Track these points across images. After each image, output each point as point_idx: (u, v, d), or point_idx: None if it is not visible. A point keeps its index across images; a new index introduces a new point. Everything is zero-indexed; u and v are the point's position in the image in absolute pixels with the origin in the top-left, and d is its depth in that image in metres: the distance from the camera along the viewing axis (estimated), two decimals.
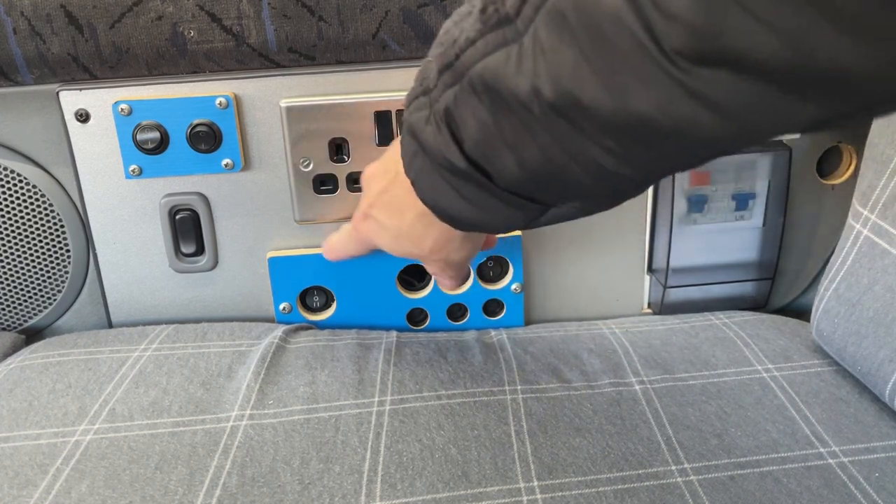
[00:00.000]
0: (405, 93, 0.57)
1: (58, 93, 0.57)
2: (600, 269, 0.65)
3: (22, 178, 0.61)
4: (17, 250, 0.62)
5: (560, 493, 0.43)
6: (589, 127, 0.27)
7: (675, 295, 0.64)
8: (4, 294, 0.64)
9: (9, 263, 0.63)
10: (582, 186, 0.31)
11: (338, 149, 0.59)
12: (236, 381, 0.53)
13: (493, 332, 0.61)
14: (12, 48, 0.55)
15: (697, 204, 0.60)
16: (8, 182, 0.61)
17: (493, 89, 0.30)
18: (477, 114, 0.31)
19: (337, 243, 0.56)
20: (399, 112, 0.57)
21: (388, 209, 0.45)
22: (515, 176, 0.32)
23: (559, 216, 0.36)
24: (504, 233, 0.43)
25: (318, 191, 0.59)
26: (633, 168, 0.28)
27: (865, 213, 0.51)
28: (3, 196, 0.61)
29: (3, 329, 0.65)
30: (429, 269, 0.51)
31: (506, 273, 0.62)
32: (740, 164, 0.59)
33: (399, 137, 0.40)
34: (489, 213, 0.36)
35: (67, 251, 0.63)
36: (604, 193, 0.33)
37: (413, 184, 0.39)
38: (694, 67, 0.23)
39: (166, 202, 0.60)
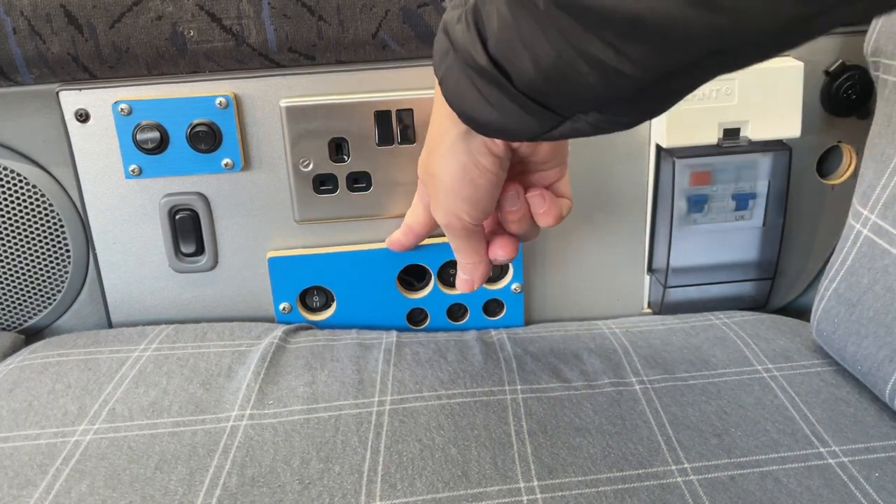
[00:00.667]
0: (405, 93, 0.58)
1: (58, 93, 0.57)
2: (600, 269, 0.65)
3: (22, 178, 0.61)
4: (17, 250, 0.62)
5: (560, 493, 0.42)
6: (589, 22, 0.28)
7: (675, 295, 0.64)
8: (4, 294, 0.64)
9: (9, 263, 0.63)
10: (591, 88, 0.31)
11: (338, 149, 0.59)
12: (236, 381, 0.53)
13: (493, 332, 0.61)
14: (12, 48, 0.55)
15: (697, 204, 0.60)
16: (8, 182, 0.61)
17: None
18: (499, 10, 0.32)
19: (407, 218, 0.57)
20: (399, 112, 0.57)
21: (430, 126, 0.47)
22: (531, 76, 0.33)
23: (574, 130, 0.36)
24: (519, 140, 0.43)
25: (317, 191, 0.59)
26: (632, 64, 0.29)
27: (865, 212, 0.51)
28: (3, 196, 0.61)
29: (3, 329, 0.65)
30: (436, 216, 0.50)
31: (506, 273, 0.62)
32: (740, 164, 0.59)
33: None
34: (506, 116, 0.36)
35: (67, 251, 0.63)
36: (613, 100, 0.33)
37: (440, 82, 0.39)
38: None
39: (166, 202, 0.60)
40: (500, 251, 0.51)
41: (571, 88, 0.32)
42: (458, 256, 0.52)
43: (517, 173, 0.49)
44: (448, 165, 0.45)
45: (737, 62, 0.29)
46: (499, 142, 0.44)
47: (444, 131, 0.45)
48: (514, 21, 0.31)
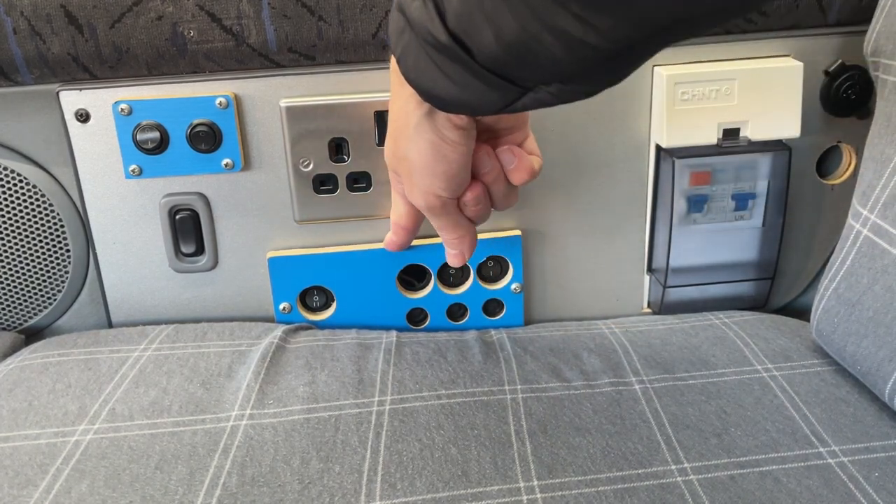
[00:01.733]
0: None
1: (58, 93, 0.57)
2: (600, 269, 0.65)
3: (22, 178, 0.61)
4: (17, 250, 0.62)
5: (560, 493, 0.43)
6: None
7: (674, 295, 0.64)
8: (4, 294, 0.64)
9: (9, 263, 0.63)
10: (555, 61, 0.31)
11: (338, 149, 0.59)
12: (236, 380, 0.53)
13: (493, 332, 0.61)
14: (12, 48, 0.55)
15: (697, 204, 0.60)
16: (8, 182, 0.61)
17: None
18: None
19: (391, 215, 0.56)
20: None
21: (390, 113, 0.47)
22: (493, 50, 0.33)
23: (536, 101, 0.36)
24: (482, 115, 0.43)
25: (317, 191, 0.59)
26: (598, 36, 0.29)
27: (865, 212, 0.51)
28: (3, 196, 0.61)
29: (3, 329, 0.65)
30: (413, 199, 0.50)
31: (506, 273, 0.63)
32: (740, 164, 0.59)
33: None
34: (468, 91, 0.36)
35: (67, 251, 0.63)
36: (577, 70, 0.33)
37: (398, 61, 0.39)
38: None
39: (166, 202, 0.60)
40: (469, 194, 0.49)
41: (535, 60, 0.32)
42: (442, 234, 0.52)
43: (483, 140, 0.49)
44: (416, 146, 0.45)
45: (701, 27, 0.29)
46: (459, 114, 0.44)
47: (407, 113, 0.44)
48: None
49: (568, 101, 0.36)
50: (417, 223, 0.56)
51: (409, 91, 0.42)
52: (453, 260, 0.54)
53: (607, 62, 0.31)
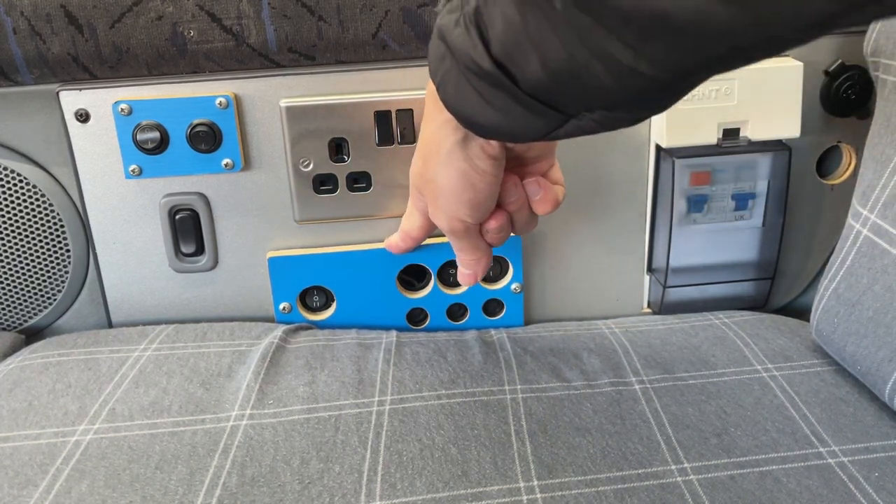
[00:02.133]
0: (405, 93, 0.58)
1: (58, 93, 0.57)
2: (600, 269, 0.65)
3: (22, 178, 0.61)
4: (17, 250, 0.62)
5: (560, 493, 0.43)
6: (609, 21, 0.28)
7: (674, 295, 0.64)
8: (4, 294, 0.64)
9: (9, 263, 0.63)
10: (603, 89, 0.31)
11: (338, 149, 0.59)
12: (236, 380, 0.53)
13: (493, 332, 0.61)
14: (12, 48, 0.55)
15: (697, 204, 0.60)
16: (8, 182, 0.61)
17: None
18: (505, 11, 0.32)
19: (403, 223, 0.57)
20: (399, 112, 0.57)
21: (421, 134, 0.47)
22: (538, 77, 0.32)
23: (579, 128, 0.36)
24: (523, 142, 0.43)
25: (318, 191, 0.59)
26: (650, 64, 0.28)
27: (865, 212, 0.51)
28: (3, 196, 0.61)
29: (3, 329, 0.65)
30: (436, 221, 0.50)
31: (506, 273, 0.63)
32: (740, 164, 0.59)
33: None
34: (509, 118, 0.36)
35: (67, 251, 0.63)
36: (624, 99, 0.32)
37: (438, 88, 0.39)
38: None
39: (166, 202, 0.60)
40: (493, 222, 0.50)
41: (581, 88, 0.32)
42: (459, 255, 0.53)
43: (510, 168, 0.49)
44: (447, 172, 0.45)
45: (755, 57, 0.29)
46: (495, 143, 0.44)
47: (440, 138, 0.45)
48: (523, 22, 0.31)
49: (612, 129, 0.35)
50: (426, 235, 0.57)
51: (444, 117, 0.42)
52: (465, 279, 0.54)
53: (657, 91, 0.31)
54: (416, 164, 0.49)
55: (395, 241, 0.58)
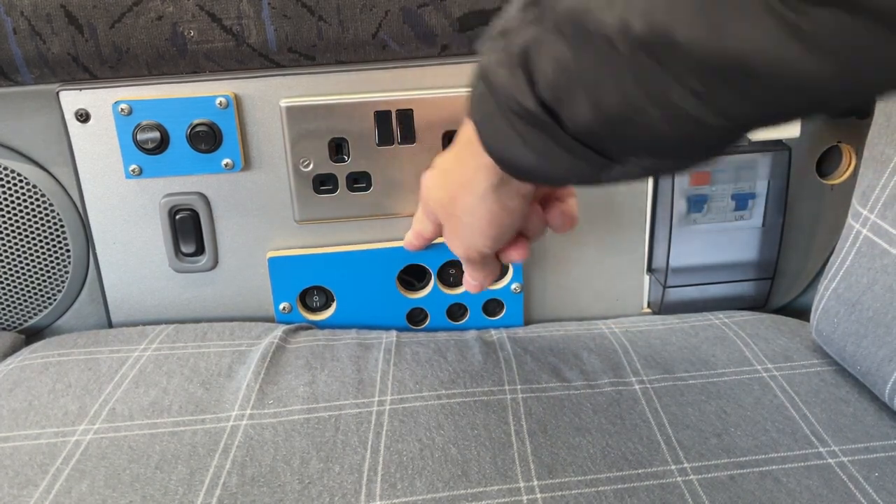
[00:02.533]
0: (405, 93, 0.58)
1: (58, 93, 0.57)
2: (600, 269, 0.65)
3: (22, 178, 0.61)
4: (17, 250, 0.62)
5: (560, 493, 0.43)
6: (677, 67, 0.26)
7: (674, 295, 0.64)
8: (4, 294, 0.64)
9: (9, 263, 0.63)
10: (656, 136, 0.29)
11: (338, 149, 0.59)
12: (236, 380, 0.53)
13: (493, 332, 0.61)
14: (12, 48, 0.55)
15: (697, 204, 0.60)
16: (8, 182, 0.61)
17: (579, 24, 0.29)
18: (557, 52, 0.31)
19: (413, 224, 0.56)
20: (399, 112, 0.57)
21: (448, 158, 0.46)
22: (587, 120, 0.31)
23: (623, 174, 0.35)
24: (562, 185, 0.41)
25: (317, 191, 0.59)
26: (717, 114, 0.27)
27: (865, 212, 0.51)
28: (3, 196, 0.61)
29: (3, 329, 0.65)
30: (452, 247, 0.50)
31: (506, 273, 0.63)
32: (740, 164, 0.59)
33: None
34: (552, 162, 0.35)
35: (67, 251, 0.63)
36: (678, 147, 0.31)
37: (477, 128, 0.38)
38: (802, 5, 0.22)
39: (166, 202, 0.60)
40: (515, 254, 0.50)
41: (633, 134, 0.30)
42: (470, 272, 0.52)
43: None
44: (476, 212, 0.44)
45: (833, 111, 0.27)
46: (527, 183, 0.43)
47: (473, 181, 0.43)
48: (577, 64, 0.30)
49: (657, 176, 0.34)
50: (437, 236, 0.56)
51: (481, 161, 0.41)
52: (473, 289, 0.53)
53: (715, 140, 0.29)
54: (436, 191, 0.48)
55: (409, 237, 0.58)
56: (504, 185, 0.42)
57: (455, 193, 0.45)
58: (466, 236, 0.47)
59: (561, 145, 0.33)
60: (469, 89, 0.38)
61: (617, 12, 0.27)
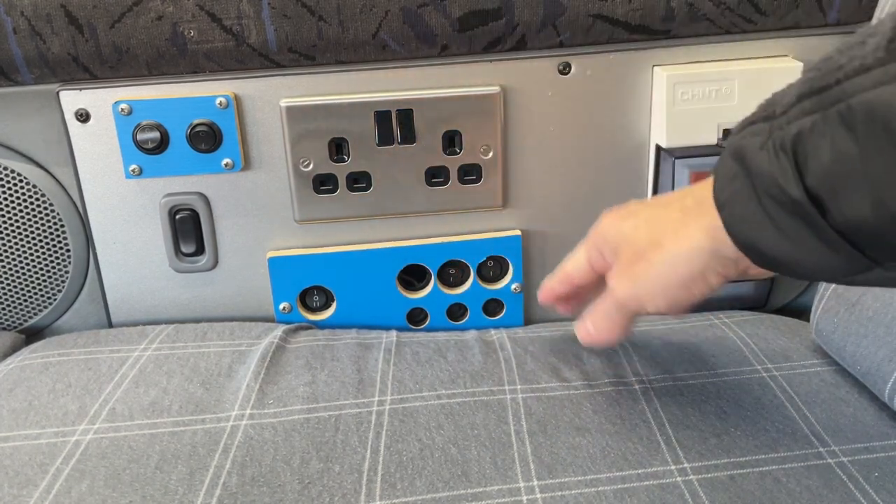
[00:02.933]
0: (405, 93, 0.58)
1: (58, 93, 0.57)
2: None
3: (22, 178, 0.61)
4: (17, 250, 0.62)
5: (560, 493, 0.43)
6: None
7: None
8: (4, 294, 0.64)
9: (9, 263, 0.63)
10: None
11: (338, 148, 0.59)
12: (236, 380, 0.53)
13: (493, 332, 0.61)
14: (12, 48, 0.55)
15: None
16: (8, 182, 0.61)
17: (881, 121, 0.28)
18: (838, 144, 0.29)
19: (599, 319, 0.49)
20: (399, 112, 0.57)
21: (657, 204, 0.43)
22: (862, 216, 0.29)
23: (881, 279, 0.33)
24: (808, 279, 0.38)
25: (318, 191, 0.59)
26: None
27: None
28: (3, 196, 0.61)
29: (3, 329, 0.65)
30: (615, 284, 0.45)
31: (506, 273, 0.63)
32: None
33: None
34: (804, 253, 0.33)
35: (67, 251, 0.63)
36: None
37: (722, 207, 0.36)
38: None
39: (166, 202, 0.60)
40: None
41: None
42: (601, 320, 0.48)
43: None
44: (675, 266, 0.41)
45: None
46: (742, 268, 0.40)
47: (692, 236, 0.40)
48: (862, 156, 0.28)
49: None
50: (587, 282, 0.50)
51: (707, 224, 0.38)
52: (586, 336, 0.49)
53: None
54: (631, 229, 0.45)
55: (551, 284, 0.52)
56: (716, 258, 0.40)
57: (661, 239, 0.42)
58: (646, 283, 0.43)
59: (821, 238, 0.32)
60: (716, 168, 0.37)
61: None
